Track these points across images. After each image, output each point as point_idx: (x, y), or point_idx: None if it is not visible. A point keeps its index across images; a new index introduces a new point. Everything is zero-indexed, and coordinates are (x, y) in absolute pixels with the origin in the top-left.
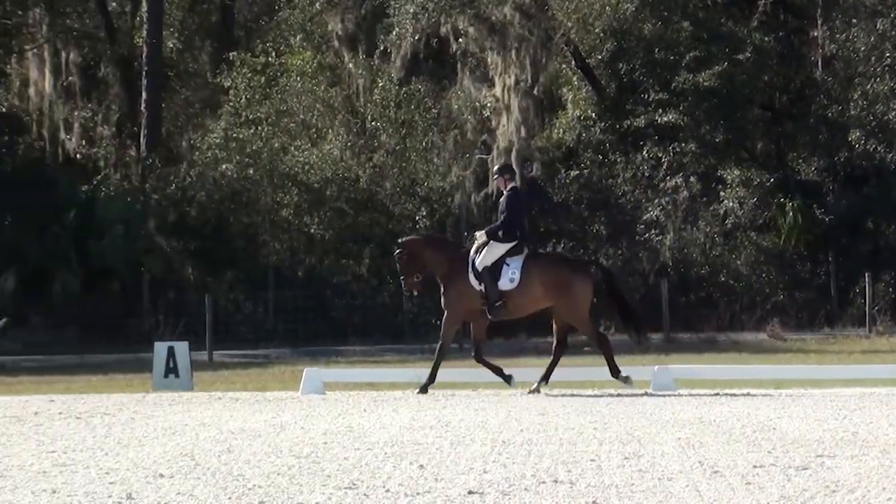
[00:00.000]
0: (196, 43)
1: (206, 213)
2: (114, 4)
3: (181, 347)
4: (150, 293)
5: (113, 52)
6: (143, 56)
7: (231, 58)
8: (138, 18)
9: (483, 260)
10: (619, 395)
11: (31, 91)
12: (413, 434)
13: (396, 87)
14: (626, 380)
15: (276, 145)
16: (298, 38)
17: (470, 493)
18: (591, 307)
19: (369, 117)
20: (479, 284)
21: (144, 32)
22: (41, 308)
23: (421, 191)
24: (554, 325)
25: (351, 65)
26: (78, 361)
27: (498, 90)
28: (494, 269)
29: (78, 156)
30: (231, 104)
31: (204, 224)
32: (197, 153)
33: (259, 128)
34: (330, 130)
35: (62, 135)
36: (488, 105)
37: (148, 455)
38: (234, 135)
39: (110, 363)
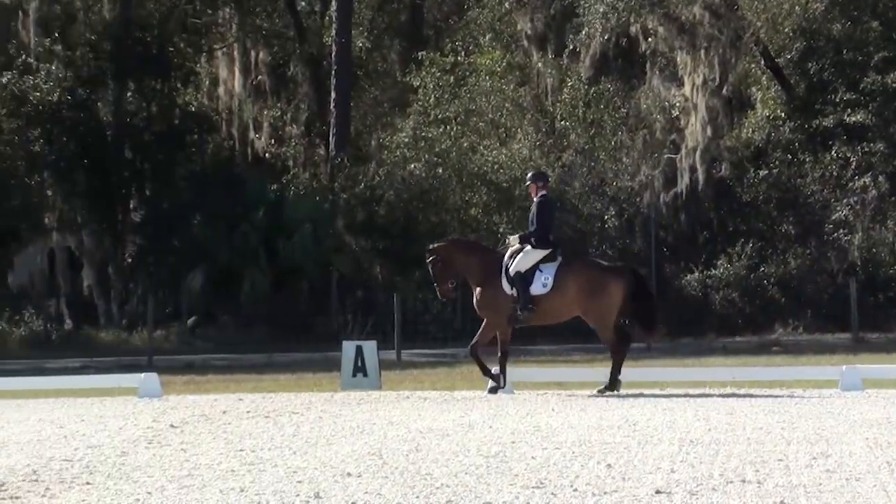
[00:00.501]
0: (385, 42)
1: (395, 213)
2: (303, 4)
3: (369, 346)
4: (338, 292)
5: (302, 52)
6: (333, 55)
7: (420, 57)
8: (327, 17)
9: (517, 265)
10: (806, 395)
11: (221, 90)
12: (601, 433)
13: (585, 87)
14: (614, 387)
15: (465, 144)
16: (487, 37)
17: (657, 492)
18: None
19: (558, 117)
20: (512, 289)
21: (334, 31)
22: (230, 307)
23: (609, 190)
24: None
25: (540, 64)
26: (266, 360)
27: (687, 89)
28: (527, 274)
29: (267, 155)
30: (420, 103)
31: (392, 223)
32: (385, 152)
33: (448, 127)
34: (519, 130)
35: (251, 134)
36: (677, 104)
37: (336, 454)
38: (423, 134)
39: (299, 362)
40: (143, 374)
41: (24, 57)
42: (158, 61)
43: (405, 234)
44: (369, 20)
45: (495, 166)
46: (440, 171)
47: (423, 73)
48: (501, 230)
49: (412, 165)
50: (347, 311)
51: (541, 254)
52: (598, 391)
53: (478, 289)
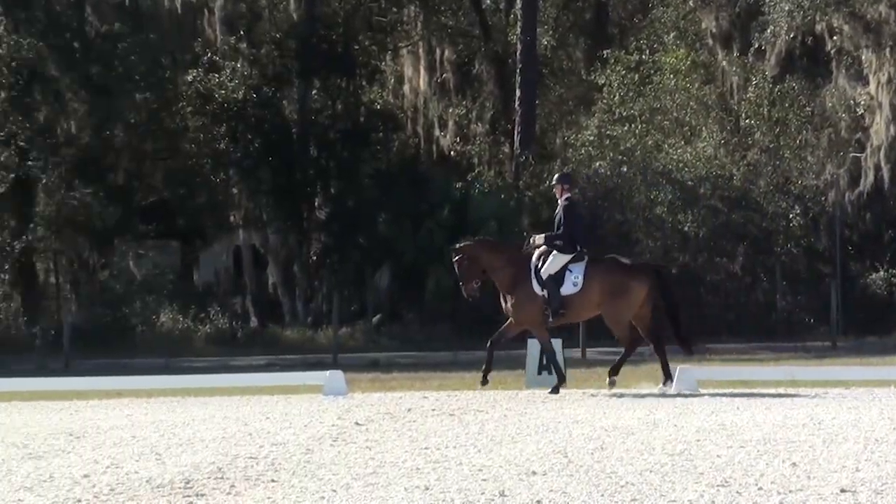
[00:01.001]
0: (570, 40)
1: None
2: (488, 2)
3: (555, 345)
4: None
5: (487, 49)
6: (518, 53)
7: (605, 55)
8: (512, 15)
9: (548, 268)
10: None
11: (406, 88)
12: (786, 432)
13: (770, 85)
14: (612, 384)
15: (650, 143)
16: (672, 35)
17: (842, 491)
18: (651, 312)
19: (743, 115)
20: (542, 290)
21: (519, 29)
22: (415, 305)
23: (794, 189)
24: (643, 333)
25: (724, 63)
26: (451, 358)
27: (872, 88)
28: (558, 276)
29: (452, 153)
30: (604, 101)
31: None
32: (570, 150)
33: (632, 125)
34: (703, 128)
35: (436, 132)
36: (862, 103)
37: (521, 452)
38: (608, 132)
39: (483, 360)
40: (328, 372)
41: (209, 55)
42: (343, 59)
43: (590, 233)
44: (554, 18)
45: (680, 165)
46: (625, 169)
47: (608, 71)
48: (686, 228)
49: (597, 164)
50: None
51: (567, 257)
52: (608, 383)
53: (508, 292)
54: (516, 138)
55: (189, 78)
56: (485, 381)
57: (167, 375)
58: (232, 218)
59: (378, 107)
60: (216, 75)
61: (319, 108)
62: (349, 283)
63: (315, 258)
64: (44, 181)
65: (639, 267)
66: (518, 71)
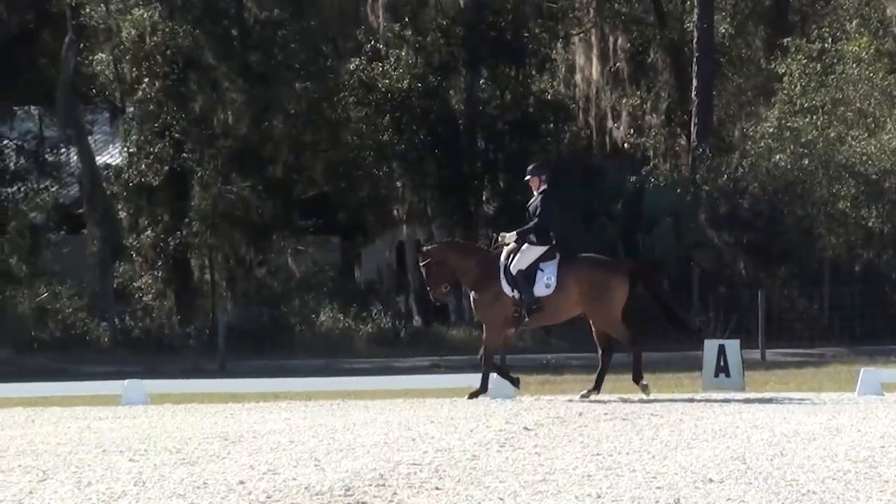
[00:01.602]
0: (749, 28)
1: (759, 206)
2: None
3: (732, 346)
4: (699, 289)
5: (662, 37)
6: (694, 41)
7: (785, 44)
8: (689, 2)
9: (517, 264)
10: None
11: (578, 77)
12: None
13: None
14: (646, 388)
15: (832, 135)
16: (854, 23)
17: None
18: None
19: None
20: (513, 290)
21: (695, 17)
22: None
23: None
24: (595, 334)
25: None
26: (625, 360)
27: None
28: (529, 274)
29: (625, 145)
30: (785, 92)
31: (756, 216)
32: (749, 143)
33: (814, 117)
34: (888, 120)
35: (609, 123)
36: None
37: (697, 458)
38: (788, 124)
39: (658, 362)
40: (495, 374)
41: (372, 43)
42: (512, 47)
43: (770, 228)
44: (732, 5)
45: (863, 158)
46: (806, 162)
47: (789, 60)
48: (871, 224)
49: (777, 157)
50: (709, 308)
51: (540, 250)
52: (640, 387)
53: (473, 292)
54: (693, 130)
55: (351, 67)
56: (478, 392)
57: (327, 377)
58: (395, 212)
59: (548, 97)
60: (379, 64)
61: (487, 99)
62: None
63: None
64: (199, 174)
65: (618, 264)
66: (695, 60)
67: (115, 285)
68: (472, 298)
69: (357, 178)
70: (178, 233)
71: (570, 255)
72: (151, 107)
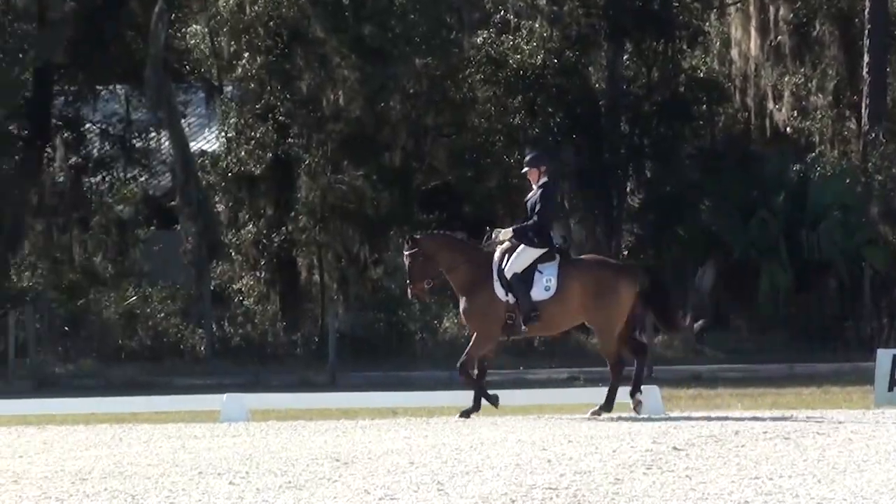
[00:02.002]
0: None
1: None
2: None
3: (884, 355)
4: (871, 292)
5: (830, 7)
6: (866, 12)
7: None
8: None
9: (512, 266)
10: None
11: (734, 53)
12: None
13: None
14: (638, 405)
15: None
16: None
17: None
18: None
19: None
20: (507, 294)
21: None
22: (744, 308)
23: None
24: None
25: None
26: (787, 372)
27: None
28: (526, 277)
29: (788, 129)
30: None
31: None
32: None
33: None
34: None
35: (769, 104)
36: None
37: (868, 482)
38: None
39: (825, 374)
40: (642, 387)
41: (502, 13)
42: (660, 18)
43: None
44: None
45: None
46: None
47: None
48: None
49: None
50: (882, 314)
51: (538, 252)
52: (592, 413)
53: (463, 296)
54: (864, 112)
55: (478, 41)
56: (473, 410)
57: (450, 391)
58: None
59: (700, 75)
60: (510, 37)
61: (632, 76)
62: (666, 283)
63: (626, 252)
64: (306, 162)
65: (626, 267)
66: (866, 33)
67: (212, 287)
68: (461, 302)
69: (485, 167)
70: (283, 228)
71: (571, 255)
72: (252, 86)
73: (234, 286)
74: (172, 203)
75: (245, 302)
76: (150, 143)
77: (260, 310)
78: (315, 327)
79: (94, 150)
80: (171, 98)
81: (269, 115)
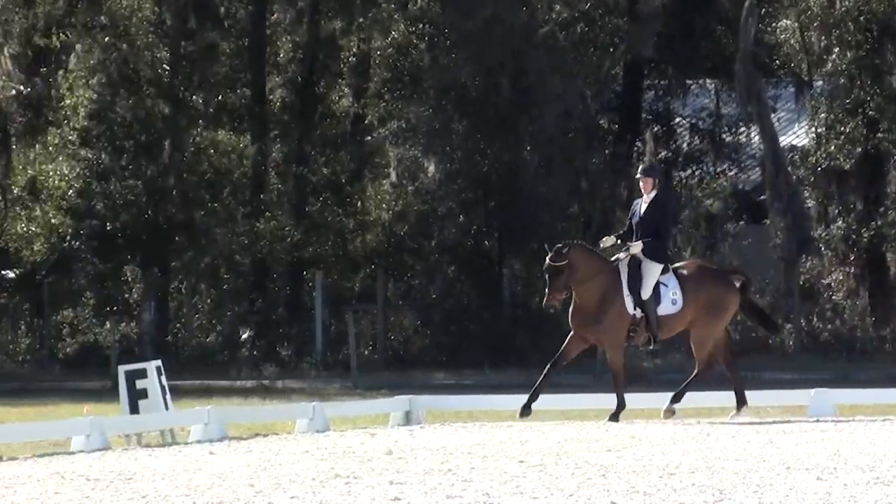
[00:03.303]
0: None
1: None
2: None
3: None
4: None
5: None
6: None
7: None
8: None
9: (646, 287)
10: None
11: None
12: None
13: None
14: (670, 413)
15: None
16: None
17: None
18: None
19: None
20: (635, 308)
21: None
22: None
23: None
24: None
25: None
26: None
27: None
28: (654, 293)
29: None
30: None
31: None
32: None
33: None
34: None
35: None
36: None
37: None
38: None
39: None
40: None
41: None
42: None
43: None
44: None
45: None
46: None
47: None
48: None
49: None
50: None
51: (661, 267)
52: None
53: (593, 308)
54: None
55: None
56: (526, 411)
57: None
58: None
59: None
60: None
61: None
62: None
63: None
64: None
65: (728, 275)
66: None
67: (801, 282)
68: (595, 314)
69: None
70: (872, 223)
71: (679, 264)
72: (842, 81)
73: (823, 281)
74: (762, 198)
75: (834, 297)
76: (740, 137)
77: (849, 305)
78: None
79: (684, 145)
80: (761, 93)
81: (859, 111)
